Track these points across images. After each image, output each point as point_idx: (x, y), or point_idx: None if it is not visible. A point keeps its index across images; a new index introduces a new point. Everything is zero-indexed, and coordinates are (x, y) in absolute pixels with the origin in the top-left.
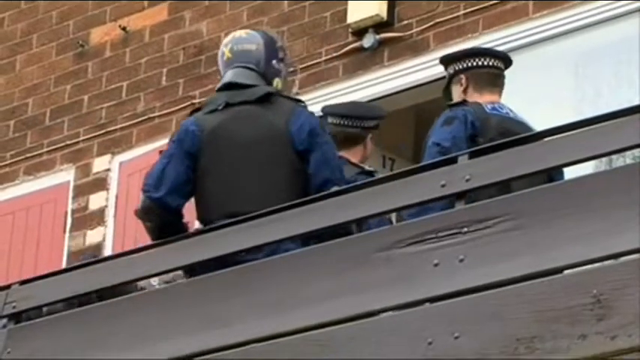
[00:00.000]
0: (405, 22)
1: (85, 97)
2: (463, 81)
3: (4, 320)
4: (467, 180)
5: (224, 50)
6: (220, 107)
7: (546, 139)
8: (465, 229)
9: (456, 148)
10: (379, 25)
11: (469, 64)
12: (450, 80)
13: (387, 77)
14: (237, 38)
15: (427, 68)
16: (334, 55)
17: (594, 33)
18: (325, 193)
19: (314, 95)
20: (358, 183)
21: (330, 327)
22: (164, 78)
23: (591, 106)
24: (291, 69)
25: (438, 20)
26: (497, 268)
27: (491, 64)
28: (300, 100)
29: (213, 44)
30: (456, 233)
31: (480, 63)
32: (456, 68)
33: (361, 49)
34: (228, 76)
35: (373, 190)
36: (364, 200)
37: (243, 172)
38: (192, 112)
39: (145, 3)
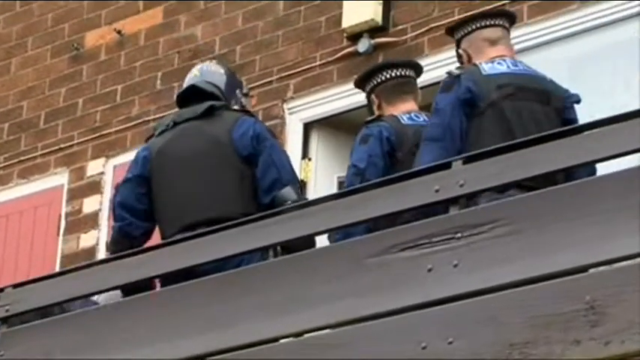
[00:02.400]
0: (400, 26)
1: (80, 101)
2: (374, 99)
3: None
4: (461, 185)
5: (194, 71)
6: (169, 127)
7: (541, 144)
8: (459, 235)
9: (372, 166)
10: (374, 30)
11: (374, 82)
12: (368, 102)
13: None
14: (208, 64)
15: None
16: (329, 59)
17: (589, 38)
18: (318, 197)
19: (308, 99)
20: (352, 188)
21: (325, 330)
22: (159, 81)
23: (586, 111)
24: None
25: (432, 25)
26: (491, 274)
27: (393, 75)
28: (247, 112)
29: (208, 48)
30: (450, 238)
31: (382, 78)
32: (366, 89)
33: (356, 53)
34: (189, 81)
35: (367, 195)
36: (358, 205)
37: (189, 185)
38: (147, 140)
39: (141, 6)
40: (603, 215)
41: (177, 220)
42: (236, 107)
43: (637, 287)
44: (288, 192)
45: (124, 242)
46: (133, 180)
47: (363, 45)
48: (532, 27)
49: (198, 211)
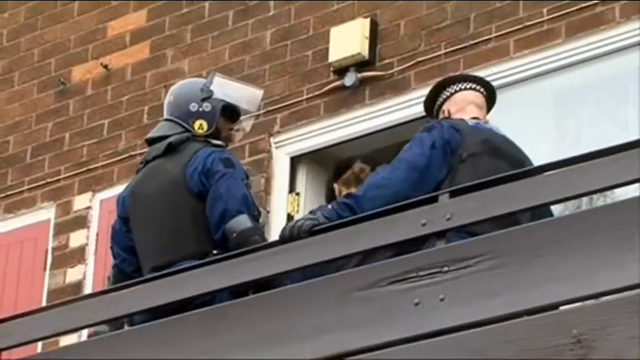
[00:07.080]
0: (387, 60)
1: (67, 135)
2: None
3: None
4: (448, 219)
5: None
6: (141, 167)
7: (528, 177)
8: (446, 268)
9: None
10: (360, 64)
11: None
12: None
13: (369, 116)
14: (169, 91)
15: (408, 107)
16: (316, 93)
17: (574, 72)
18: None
19: (295, 134)
20: (340, 221)
21: None
22: (145, 116)
23: (572, 144)
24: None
25: (419, 59)
26: (478, 308)
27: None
28: (210, 142)
29: None
30: (437, 272)
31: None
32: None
33: (342, 87)
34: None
35: (355, 229)
36: (346, 238)
37: (151, 227)
38: (137, 172)
39: (127, 41)
40: (588, 249)
41: (145, 263)
42: (201, 123)
43: (623, 321)
44: (238, 222)
45: (123, 280)
46: (119, 219)
47: (349, 79)
48: (517, 61)
49: (159, 254)
